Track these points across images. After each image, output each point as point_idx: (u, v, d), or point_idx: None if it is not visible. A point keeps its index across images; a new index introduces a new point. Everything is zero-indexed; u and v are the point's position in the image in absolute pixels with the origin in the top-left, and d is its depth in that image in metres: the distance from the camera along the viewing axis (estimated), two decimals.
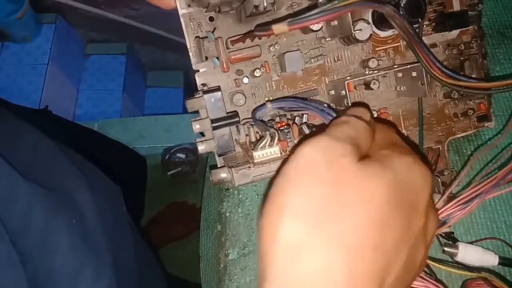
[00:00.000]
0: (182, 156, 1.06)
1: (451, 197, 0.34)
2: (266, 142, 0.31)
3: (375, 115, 0.36)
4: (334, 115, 0.31)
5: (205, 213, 0.50)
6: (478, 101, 0.39)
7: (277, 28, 0.27)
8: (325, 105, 0.34)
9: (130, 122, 1.08)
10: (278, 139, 0.31)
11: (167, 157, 1.06)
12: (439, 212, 0.33)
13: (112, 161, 0.80)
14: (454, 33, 0.37)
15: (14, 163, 0.40)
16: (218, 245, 0.41)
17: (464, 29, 0.36)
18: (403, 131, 0.38)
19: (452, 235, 0.36)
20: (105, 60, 1.29)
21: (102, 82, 1.27)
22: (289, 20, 0.26)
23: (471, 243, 0.37)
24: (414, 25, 0.33)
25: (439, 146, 0.38)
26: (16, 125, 0.46)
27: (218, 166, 0.33)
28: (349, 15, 0.31)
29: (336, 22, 0.33)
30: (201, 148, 0.32)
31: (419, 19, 0.33)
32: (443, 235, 0.36)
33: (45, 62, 1.15)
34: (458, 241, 0.36)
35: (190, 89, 1.49)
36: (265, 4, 0.28)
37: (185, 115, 1.08)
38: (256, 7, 0.28)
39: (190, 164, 1.06)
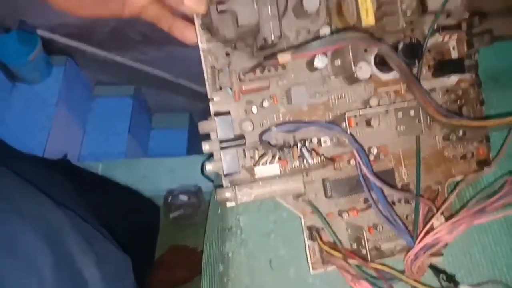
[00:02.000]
0: (185, 198, 1.06)
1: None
2: (267, 159, 0.34)
3: (375, 151, 0.37)
4: (337, 127, 0.35)
5: (207, 253, 0.49)
6: (476, 145, 0.40)
7: (282, 57, 0.31)
8: (326, 122, 0.37)
9: (134, 163, 1.09)
10: (279, 157, 0.34)
11: (169, 199, 1.06)
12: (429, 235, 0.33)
13: (127, 211, 0.82)
14: (453, 79, 0.39)
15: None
16: (220, 286, 0.41)
17: (462, 76, 0.38)
18: (403, 170, 0.39)
19: (453, 278, 0.36)
20: (112, 102, 1.32)
21: (108, 124, 1.29)
22: (292, 50, 0.31)
23: (472, 286, 0.37)
24: (411, 67, 0.35)
25: (439, 186, 0.39)
26: (31, 195, 0.47)
27: (224, 186, 0.36)
28: (350, 55, 0.34)
29: (339, 62, 0.36)
30: (209, 168, 0.35)
31: (416, 61, 0.34)
32: (444, 278, 0.36)
33: (54, 103, 1.17)
34: (460, 283, 0.36)
35: (195, 131, 1.50)
36: (273, 37, 0.31)
37: (189, 156, 1.09)
38: (265, 39, 0.32)
39: (192, 206, 1.06)
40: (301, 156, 0.35)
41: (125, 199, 0.91)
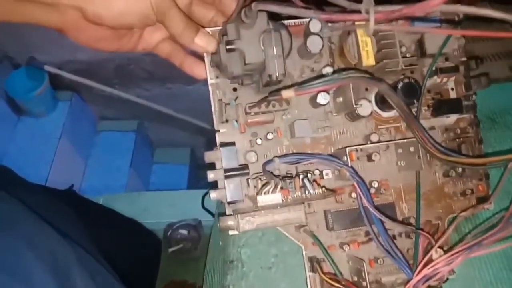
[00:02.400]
0: (185, 232, 1.05)
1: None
2: (270, 188, 0.35)
3: (376, 185, 0.38)
4: (337, 161, 0.36)
5: (207, 286, 0.49)
6: (476, 182, 0.41)
7: (285, 93, 0.33)
8: (328, 154, 0.38)
9: (135, 196, 1.09)
10: (281, 187, 0.35)
11: (169, 233, 1.05)
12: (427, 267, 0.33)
13: (129, 243, 0.82)
14: (452, 119, 0.40)
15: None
16: None
17: (461, 116, 0.40)
18: (404, 204, 0.39)
19: None
20: (115, 136, 1.33)
21: (110, 158, 1.30)
22: (295, 87, 0.32)
23: None
24: (410, 106, 0.37)
25: (439, 222, 0.39)
26: (40, 227, 0.48)
27: (227, 214, 0.37)
28: (352, 93, 0.35)
29: (341, 99, 0.38)
30: (213, 195, 0.36)
31: (414, 100, 0.36)
32: None
33: (57, 136, 1.19)
34: None
35: (196, 166, 1.51)
36: (277, 74, 0.33)
37: (190, 190, 1.09)
38: (270, 76, 0.33)
39: (192, 241, 1.05)
40: (303, 186, 0.36)
41: (127, 232, 0.90)
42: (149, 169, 1.41)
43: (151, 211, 1.06)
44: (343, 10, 0.30)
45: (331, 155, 0.38)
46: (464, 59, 0.41)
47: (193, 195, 1.02)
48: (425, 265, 0.34)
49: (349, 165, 0.37)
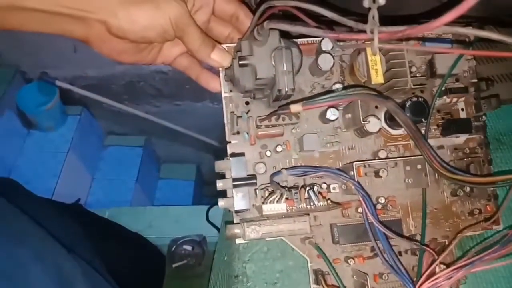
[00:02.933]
0: (189, 248, 1.05)
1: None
2: (275, 198, 0.36)
3: (383, 201, 0.38)
4: (344, 174, 0.36)
5: None
6: (484, 202, 0.41)
7: (293, 107, 0.34)
8: (335, 168, 0.38)
9: (141, 211, 1.10)
10: (286, 197, 0.36)
11: (173, 249, 1.05)
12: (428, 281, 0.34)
13: (133, 258, 0.82)
14: (462, 138, 0.41)
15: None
16: None
17: (470, 136, 0.40)
18: (411, 221, 0.40)
19: None
20: (122, 151, 1.35)
21: (116, 172, 1.31)
22: (303, 102, 0.34)
23: None
24: (418, 124, 0.37)
25: (445, 240, 0.39)
26: (47, 241, 0.48)
27: (234, 222, 0.38)
28: (360, 110, 0.36)
29: (349, 115, 0.38)
30: (221, 204, 0.37)
31: (422, 119, 0.36)
32: None
33: (65, 150, 1.21)
34: None
35: (202, 182, 1.51)
36: (286, 89, 0.34)
37: (195, 206, 1.09)
38: (279, 91, 0.34)
39: (196, 257, 1.05)
40: (308, 197, 0.36)
41: (132, 246, 0.90)
42: (155, 184, 1.42)
43: (155, 226, 1.06)
44: (351, 30, 0.31)
45: (338, 169, 0.38)
46: (474, 80, 0.41)
47: (198, 211, 1.03)
48: (426, 279, 0.34)
49: (356, 179, 0.37)
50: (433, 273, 0.35)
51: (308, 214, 0.37)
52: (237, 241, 0.37)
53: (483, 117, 0.41)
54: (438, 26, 0.24)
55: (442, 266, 0.36)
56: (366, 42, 0.37)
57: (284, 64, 0.34)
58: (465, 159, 0.41)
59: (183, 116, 1.30)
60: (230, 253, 0.44)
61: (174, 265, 1.04)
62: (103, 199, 1.26)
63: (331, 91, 0.38)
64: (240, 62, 0.35)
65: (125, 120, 1.32)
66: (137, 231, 1.00)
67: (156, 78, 1.19)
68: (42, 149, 1.21)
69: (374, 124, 0.36)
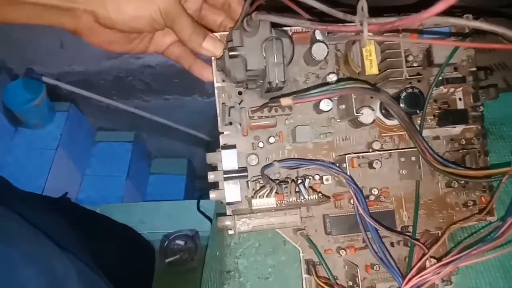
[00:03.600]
0: (181, 243, 1.04)
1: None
2: (265, 192, 0.36)
3: (376, 193, 0.38)
4: (337, 168, 0.37)
5: None
6: (479, 193, 0.40)
7: (284, 101, 0.34)
8: (328, 161, 0.38)
9: (132, 207, 1.09)
10: (276, 191, 0.36)
11: (166, 244, 1.05)
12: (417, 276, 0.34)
13: (124, 250, 0.81)
14: (458, 129, 0.40)
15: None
16: None
17: (467, 126, 0.40)
18: (404, 212, 0.40)
19: None
20: (112, 147, 1.33)
21: (107, 168, 1.30)
22: (293, 96, 0.33)
23: None
24: (412, 115, 0.37)
25: (439, 232, 0.39)
26: (39, 241, 0.47)
27: (227, 214, 0.38)
28: (353, 101, 0.36)
29: (343, 106, 0.38)
30: (212, 196, 0.37)
31: (417, 111, 0.36)
32: None
33: (54, 147, 1.19)
34: None
35: (193, 176, 1.51)
36: (277, 81, 0.34)
37: (187, 201, 1.09)
38: (270, 83, 0.34)
39: (188, 251, 1.04)
40: (298, 191, 0.36)
41: (122, 238, 0.90)
42: (146, 179, 1.41)
43: (147, 222, 1.06)
44: (341, 21, 0.31)
45: (331, 162, 0.38)
46: (473, 69, 0.41)
47: (190, 206, 1.02)
48: (416, 273, 0.34)
49: (348, 172, 0.37)
50: (423, 267, 0.35)
51: (299, 208, 0.37)
52: (229, 232, 0.37)
53: (481, 107, 0.41)
54: (428, 16, 0.24)
55: (433, 260, 0.36)
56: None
57: (275, 55, 0.34)
58: (461, 150, 0.40)
59: (172, 110, 1.29)
60: (222, 249, 0.43)
61: (167, 260, 1.04)
62: (94, 195, 1.25)
63: (325, 83, 0.38)
64: (230, 53, 0.34)
65: (114, 115, 1.31)
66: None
67: (145, 72, 1.18)
68: (31, 146, 1.19)
69: (367, 115, 0.36)
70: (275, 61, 0.34)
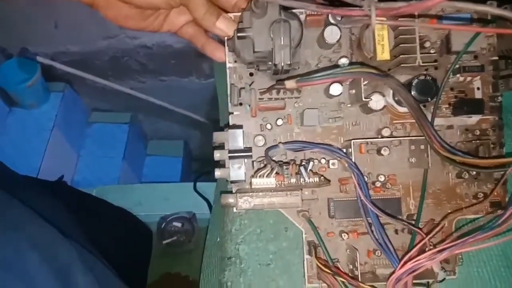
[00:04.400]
0: (178, 225, 1.05)
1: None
2: (266, 172, 0.36)
3: (383, 180, 0.38)
4: (342, 154, 0.37)
5: (204, 282, 0.49)
6: (491, 186, 0.39)
7: (288, 83, 0.34)
8: (333, 146, 0.38)
9: (129, 189, 1.08)
10: (276, 172, 0.36)
11: (163, 226, 1.05)
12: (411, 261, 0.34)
13: (120, 234, 0.81)
14: (474, 119, 0.39)
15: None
16: None
17: (484, 117, 0.39)
18: (411, 201, 0.39)
19: None
20: (108, 128, 1.32)
21: (103, 149, 1.29)
22: (298, 78, 0.34)
23: None
24: (422, 104, 0.36)
25: (445, 222, 0.39)
26: (41, 226, 0.47)
27: (233, 191, 0.38)
28: (362, 86, 0.35)
29: (354, 91, 0.37)
30: (217, 173, 0.38)
31: (428, 98, 0.35)
32: None
33: (49, 128, 1.18)
34: None
35: (190, 159, 1.51)
36: (282, 64, 0.34)
37: (184, 183, 1.08)
38: (275, 65, 0.34)
39: (185, 233, 1.05)
40: (299, 173, 0.36)
41: (118, 221, 0.89)
42: (142, 161, 1.41)
43: (144, 204, 1.05)
44: (351, 5, 0.30)
45: (337, 148, 0.38)
46: (494, 58, 0.39)
47: (187, 188, 1.02)
48: (411, 258, 0.34)
49: (353, 157, 0.37)
50: (422, 252, 0.35)
51: (301, 189, 0.37)
52: (233, 210, 0.38)
53: (499, 97, 0.39)
54: (434, 3, 0.23)
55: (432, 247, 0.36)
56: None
57: (282, 37, 0.33)
58: (475, 141, 0.39)
59: (169, 92, 1.28)
60: (223, 235, 0.43)
61: (164, 242, 1.04)
62: (90, 177, 1.24)
63: (335, 65, 0.37)
64: (238, 35, 0.34)
65: (110, 96, 1.29)
66: (126, 208, 0.99)
67: (141, 53, 1.17)
68: (26, 127, 1.18)
69: (377, 101, 0.35)
70: (282, 43, 0.33)
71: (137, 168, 1.37)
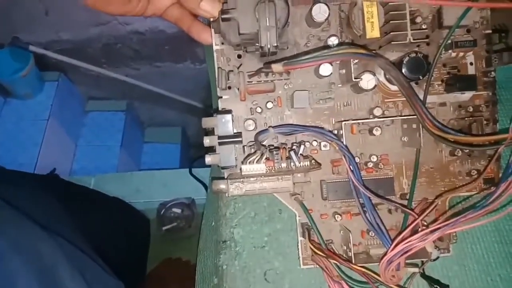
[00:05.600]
0: (178, 211, 1.05)
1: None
2: (255, 158, 0.35)
3: (375, 160, 0.37)
4: (333, 136, 0.36)
5: (200, 266, 0.49)
6: (484, 162, 0.39)
7: (275, 67, 0.33)
8: (323, 128, 0.38)
9: (127, 176, 1.09)
10: (266, 158, 0.35)
11: (162, 212, 1.05)
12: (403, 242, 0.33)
13: (117, 223, 0.81)
14: (467, 95, 0.38)
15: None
16: None
17: (477, 93, 0.38)
18: (404, 180, 0.39)
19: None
20: (104, 116, 1.32)
21: (100, 138, 1.29)
22: (284, 62, 0.32)
23: None
24: (413, 82, 0.35)
25: (438, 201, 0.38)
26: (25, 227, 0.46)
27: (225, 177, 0.37)
28: (352, 66, 0.34)
29: (343, 71, 0.36)
30: (208, 160, 0.37)
31: (419, 76, 0.35)
32: None
33: (45, 118, 1.17)
34: None
35: (188, 145, 1.50)
36: (269, 46, 0.33)
37: (182, 170, 1.09)
38: (261, 47, 0.33)
39: (185, 219, 1.05)
40: (289, 158, 0.36)
41: (113, 212, 0.89)
42: (140, 148, 1.41)
43: (143, 191, 1.06)
44: None
45: (328, 130, 0.37)
46: (488, 31, 0.38)
47: (186, 174, 1.02)
48: (403, 239, 0.34)
49: (345, 139, 0.36)
50: (414, 233, 0.34)
51: (292, 174, 0.36)
52: (224, 195, 0.37)
53: (493, 73, 0.38)
54: None
55: (423, 227, 0.35)
56: None
57: (267, 18, 0.32)
58: (467, 118, 0.38)
59: (164, 78, 1.27)
60: (217, 218, 0.43)
61: (164, 228, 1.05)
62: (89, 166, 1.24)
63: (325, 45, 0.36)
64: (222, 16, 0.33)
65: (105, 84, 1.29)
66: (125, 196, 1.00)
67: (134, 39, 1.15)
68: (21, 117, 1.17)
69: (368, 80, 0.34)
70: (267, 24, 0.32)
71: (135, 155, 1.37)
